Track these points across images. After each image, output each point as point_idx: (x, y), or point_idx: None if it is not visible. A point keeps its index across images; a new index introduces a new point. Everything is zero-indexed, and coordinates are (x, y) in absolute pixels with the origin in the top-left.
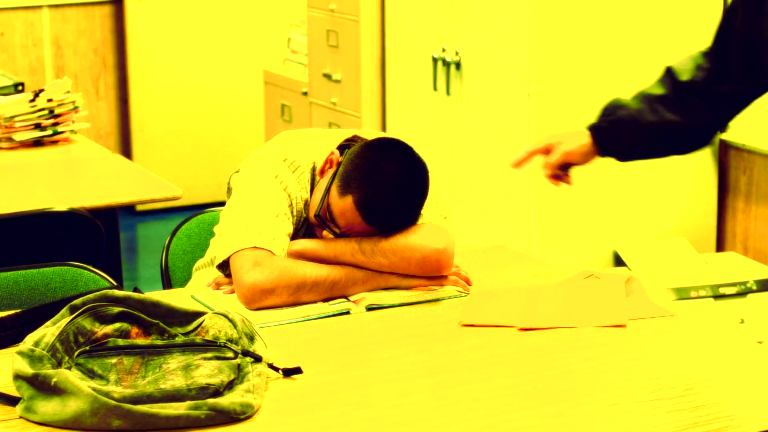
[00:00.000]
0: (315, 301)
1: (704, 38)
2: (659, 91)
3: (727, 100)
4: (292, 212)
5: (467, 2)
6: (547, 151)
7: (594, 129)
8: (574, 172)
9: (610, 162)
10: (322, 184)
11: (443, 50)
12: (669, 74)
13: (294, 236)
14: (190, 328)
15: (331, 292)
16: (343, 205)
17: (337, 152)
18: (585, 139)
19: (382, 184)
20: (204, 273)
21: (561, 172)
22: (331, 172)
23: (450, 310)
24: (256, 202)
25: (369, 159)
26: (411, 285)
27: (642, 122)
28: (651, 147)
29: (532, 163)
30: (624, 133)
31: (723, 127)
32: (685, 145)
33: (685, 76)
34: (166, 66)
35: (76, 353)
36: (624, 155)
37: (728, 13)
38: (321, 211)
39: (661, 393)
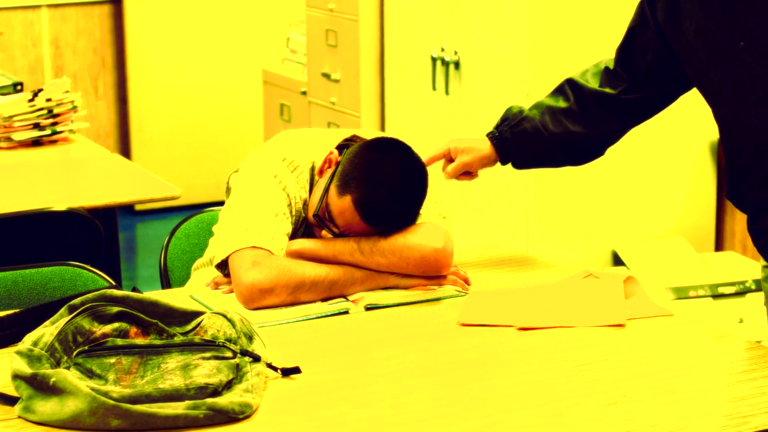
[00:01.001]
0: (314, 301)
1: None
2: (562, 103)
3: (635, 108)
4: (291, 212)
5: (466, 2)
6: (448, 158)
7: (498, 139)
8: (565, 171)
9: (609, 162)
10: (321, 183)
11: (442, 50)
12: (572, 86)
13: (293, 236)
14: (189, 327)
15: (329, 292)
16: (341, 204)
17: (336, 152)
18: (486, 149)
19: (381, 183)
20: (203, 273)
21: (461, 176)
22: (330, 171)
23: (449, 310)
24: (255, 201)
25: (368, 159)
26: (410, 285)
27: (546, 134)
28: (553, 158)
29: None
30: (528, 145)
31: (621, 135)
32: (584, 156)
33: (591, 87)
34: (165, 66)
35: (74, 353)
36: (523, 164)
37: (637, 26)
38: (320, 211)
39: (659, 392)
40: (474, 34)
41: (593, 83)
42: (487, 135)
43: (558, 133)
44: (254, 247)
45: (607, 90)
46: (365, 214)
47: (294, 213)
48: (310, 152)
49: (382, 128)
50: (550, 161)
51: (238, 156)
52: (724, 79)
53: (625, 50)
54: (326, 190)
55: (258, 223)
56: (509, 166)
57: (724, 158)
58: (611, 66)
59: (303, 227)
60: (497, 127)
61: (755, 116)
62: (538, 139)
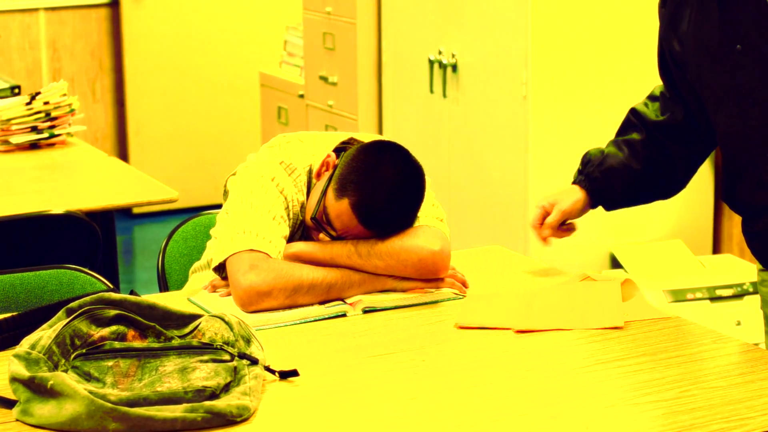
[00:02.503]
0: (311, 304)
1: None
2: (635, 136)
3: (700, 131)
4: (288, 215)
5: (463, 4)
6: (546, 214)
7: (586, 181)
8: (560, 174)
9: None
10: (319, 186)
11: (440, 52)
12: (637, 117)
13: (290, 239)
14: (187, 330)
15: (327, 295)
16: (339, 207)
17: (333, 155)
18: (577, 194)
19: (379, 187)
20: (201, 276)
21: (560, 230)
22: (327, 174)
23: (446, 313)
24: (253, 204)
25: (365, 162)
26: (407, 288)
27: (632, 166)
28: (640, 192)
29: (527, 163)
30: (618, 181)
31: (704, 159)
32: (671, 188)
33: (651, 117)
34: (163, 68)
35: (72, 356)
36: (615, 203)
37: (660, 38)
38: (317, 214)
39: (657, 395)
40: (472, 37)
41: (652, 112)
42: (574, 182)
43: (642, 164)
44: (252, 250)
45: (664, 118)
46: (363, 218)
47: (291, 216)
48: (307, 155)
49: (380, 131)
50: (638, 196)
51: (235, 159)
52: (721, 83)
53: (660, 67)
54: (324, 193)
55: (256, 226)
56: (504, 167)
57: (721, 160)
58: (664, 89)
59: (300, 230)
60: (582, 171)
61: (751, 119)
62: (626, 173)
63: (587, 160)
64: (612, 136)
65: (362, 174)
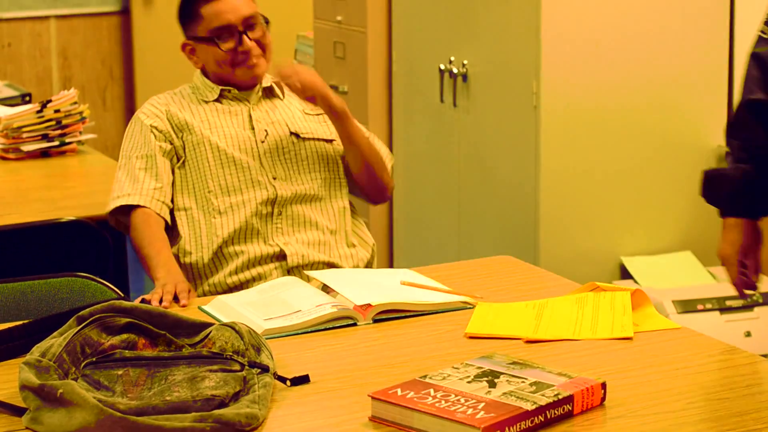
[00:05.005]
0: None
1: (705, 45)
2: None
3: None
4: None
5: (474, 14)
6: (742, 265)
7: (745, 203)
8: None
9: (616, 176)
10: (203, 52)
11: (450, 62)
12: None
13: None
14: (197, 339)
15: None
16: (206, 16)
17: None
18: (737, 225)
19: None
20: None
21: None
22: (190, 47)
23: (457, 322)
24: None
25: None
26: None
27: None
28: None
29: (538, 173)
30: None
31: None
32: None
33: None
34: (173, 77)
35: (82, 364)
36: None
37: None
38: (217, 44)
39: (664, 406)
40: (482, 47)
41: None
42: (726, 212)
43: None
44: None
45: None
46: None
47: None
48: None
49: (390, 141)
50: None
51: None
52: None
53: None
54: (198, 39)
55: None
56: (514, 176)
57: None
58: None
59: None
60: (732, 196)
61: None
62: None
63: (726, 184)
64: (620, 146)
65: None
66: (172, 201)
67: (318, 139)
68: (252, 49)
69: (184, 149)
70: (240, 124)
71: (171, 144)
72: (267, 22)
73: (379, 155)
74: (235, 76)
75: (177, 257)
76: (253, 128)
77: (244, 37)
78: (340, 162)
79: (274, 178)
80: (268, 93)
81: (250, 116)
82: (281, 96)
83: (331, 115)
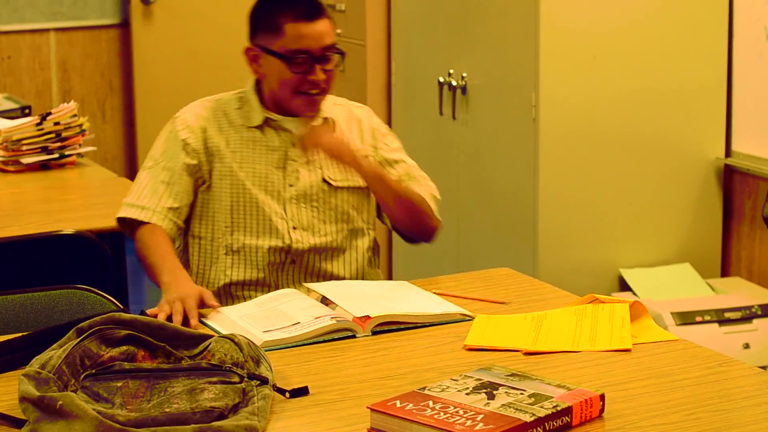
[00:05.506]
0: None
1: (704, 57)
2: None
3: None
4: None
5: (473, 26)
6: None
7: None
8: (570, 197)
9: (615, 187)
10: (267, 63)
11: (449, 74)
12: None
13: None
14: (196, 351)
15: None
16: (289, 34)
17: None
18: None
19: None
20: None
21: None
22: (253, 54)
23: (456, 333)
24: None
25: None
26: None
27: None
28: None
29: (537, 185)
30: None
31: None
32: None
33: None
34: (173, 89)
35: (82, 376)
36: None
37: None
38: (286, 60)
39: (663, 418)
40: (481, 59)
41: None
42: None
43: None
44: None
45: None
46: (299, 13)
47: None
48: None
49: None
50: None
51: None
52: None
53: None
54: (270, 52)
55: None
56: (513, 189)
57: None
58: None
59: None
60: None
61: None
62: None
63: None
64: (619, 158)
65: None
66: (189, 223)
67: (351, 188)
68: (320, 83)
69: (210, 175)
70: (273, 162)
71: (199, 164)
72: (342, 54)
73: (420, 203)
74: (291, 104)
75: None
76: (285, 168)
77: (317, 67)
78: (373, 208)
79: (294, 228)
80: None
81: (287, 154)
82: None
83: (363, 178)
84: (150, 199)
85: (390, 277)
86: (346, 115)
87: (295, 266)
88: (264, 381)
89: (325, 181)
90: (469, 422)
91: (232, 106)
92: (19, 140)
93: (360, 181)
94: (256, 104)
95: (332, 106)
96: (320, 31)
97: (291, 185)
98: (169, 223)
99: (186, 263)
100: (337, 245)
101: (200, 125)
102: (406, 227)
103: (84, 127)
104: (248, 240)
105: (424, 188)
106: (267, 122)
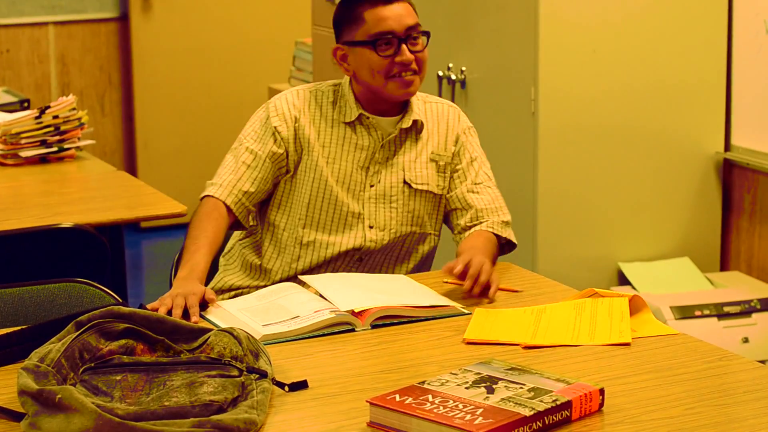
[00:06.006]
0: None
1: (703, 52)
2: None
3: None
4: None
5: (472, 20)
6: None
7: None
8: (569, 192)
9: (614, 181)
10: (355, 57)
11: (449, 68)
12: None
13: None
14: (196, 345)
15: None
16: (370, 20)
17: (336, 51)
18: None
19: None
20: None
21: None
22: (341, 53)
23: (455, 327)
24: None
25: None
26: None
27: None
28: None
29: (536, 179)
30: None
31: None
32: None
33: None
34: (172, 83)
35: (81, 370)
36: None
37: None
38: (370, 44)
39: (662, 412)
40: (481, 53)
41: None
42: None
43: None
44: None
45: None
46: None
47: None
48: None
49: None
50: None
51: None
52: None
53: None
54: (356, 44)
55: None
56: (512, 183)
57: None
58: None
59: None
60: None
61: None
62: None
63: None
64: (618, 152)
65: (344, 3)
66: (266, 210)
67: (428, 192)
68: (410, 63)
69: (296, 165)
70: (359, 161)
71: (286, 153)
72: (428, 35)
73: (496, 254)
74: (386, 89)
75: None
76: (368, 168)
77: (404, 47)
78: (441, 216)
79: (371, 227)
80: (407, 130)
81: (373, 155)
82: (421, 135)
83: None
84: (228, 177)
85: None
86: (435, 115)
87: (361, 264)
88: (263, 374)
89: (405, 182)
90: (468, 416)
91: (327, 98)
92: (18, 133)
93: (438, 186)
94: (352, 100)
95: (423, 104)
96: (399, 12)
97: (372, 186)
98: (239, 206)
99: (257, 248)
100: (406, 247)
101: (294, 114)
102: None
103: (83, 120)
104: (319, 236)
105: (494, 218)
106: (360, 119)
